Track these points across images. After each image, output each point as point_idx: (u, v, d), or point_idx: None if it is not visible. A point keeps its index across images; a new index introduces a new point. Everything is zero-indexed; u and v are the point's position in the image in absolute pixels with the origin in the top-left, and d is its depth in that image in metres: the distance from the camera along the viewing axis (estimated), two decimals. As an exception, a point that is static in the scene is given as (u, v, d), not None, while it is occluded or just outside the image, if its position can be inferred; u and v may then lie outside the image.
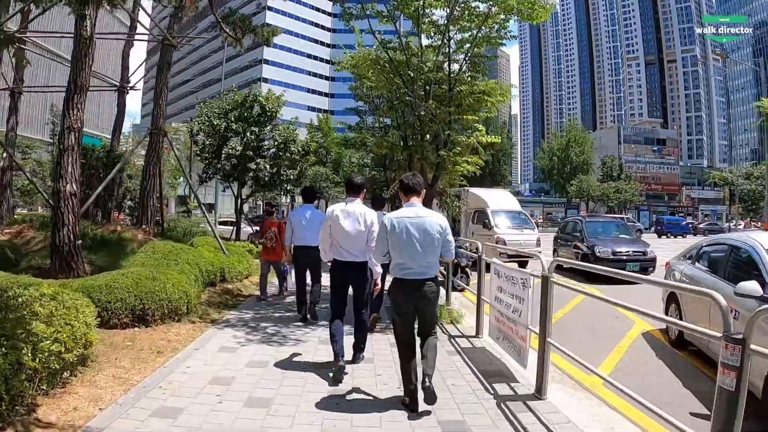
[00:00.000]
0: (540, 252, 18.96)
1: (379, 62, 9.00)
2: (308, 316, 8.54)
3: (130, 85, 17.89)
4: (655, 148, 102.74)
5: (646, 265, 15.75)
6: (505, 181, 75.17)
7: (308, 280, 8.62)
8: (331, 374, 5.77)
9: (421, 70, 8.52)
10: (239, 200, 18.98)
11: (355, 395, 5.33)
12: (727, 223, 66.00)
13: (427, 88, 8.53)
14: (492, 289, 7.04)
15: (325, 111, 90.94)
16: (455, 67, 8.99)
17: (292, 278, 9.84)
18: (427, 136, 8.84)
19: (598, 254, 15.92)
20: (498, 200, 20.27)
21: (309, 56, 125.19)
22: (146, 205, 12.74)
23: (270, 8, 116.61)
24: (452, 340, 7.58)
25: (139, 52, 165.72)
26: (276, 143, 18.04)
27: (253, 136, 17.20)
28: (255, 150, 17.50)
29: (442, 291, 11.85)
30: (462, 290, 12.15)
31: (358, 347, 6.35)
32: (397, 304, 5.01)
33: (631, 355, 7.69)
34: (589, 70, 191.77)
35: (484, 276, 7.88)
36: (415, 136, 8.97)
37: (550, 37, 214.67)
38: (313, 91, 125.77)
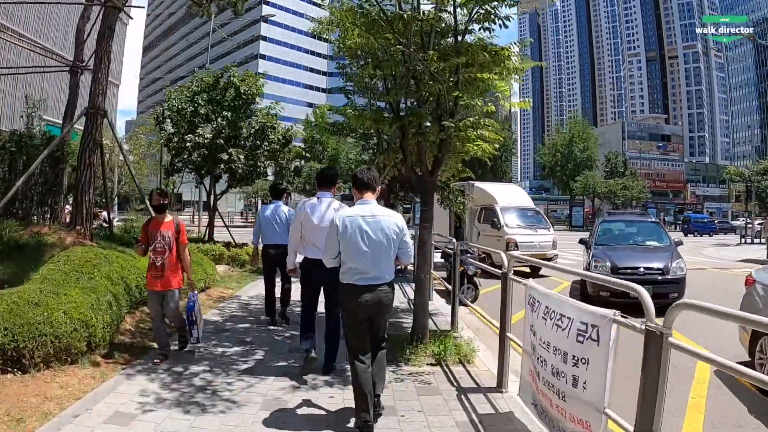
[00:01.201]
0: (556, 255, 16.64)
1: (365, 14, 6.51)
2: (279, 319, 8.16)
3: (83, 64, 15.52)
4: (660, 144, 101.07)
5: (665, 290, 10.44)
6: (507, 177, 72.78)
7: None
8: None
9: (418, 15, 6.07)
10: (213, 196, 16.58)
11: None
12: (742, 220, 63.80)
13: (425, 37, 6.10)
14: (525, 326, 4.65)
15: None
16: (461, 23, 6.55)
17: (200, 326, 6.53)
18: (426, 105, 6.37)
19: (593, 268, 11.31)
20: (508, 196, 17.81)
21: (306, 51, 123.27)
22: (81, 201, 10.32)
23: (267, 2, 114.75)
24: (464, 397, 5.18)
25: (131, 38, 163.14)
26: (253, 130, 15.60)
27: (225, 122, 14.81)
28: (229, 139, 15.14)
29: (446, 309, 9.66)
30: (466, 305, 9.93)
31: (331, 356, 5.88)
32: (349, 313, 4.52)
33: (715, 413, 5.36)
34: (590, 67, 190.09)
35: (511, 302, 5.43)
36: (409, 102, 6.50)
37: (551, 34, 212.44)
38: (311, 87, 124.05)
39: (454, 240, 8.57)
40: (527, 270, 16.14)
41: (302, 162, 69.77)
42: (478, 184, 17.66)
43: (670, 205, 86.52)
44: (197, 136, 14.31)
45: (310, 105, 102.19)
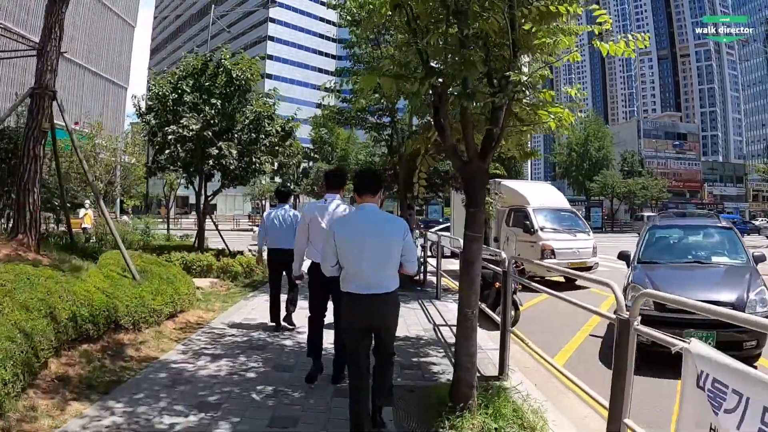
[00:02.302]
0: (597, 264, 14.48)
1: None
2: (284, 324, 7.92)
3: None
4: (676, 143, 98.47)
5: (737, 337, 6.46)
6: (521, 177, 70.33)
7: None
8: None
9: None
10: (203, 197, 14.50)
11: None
12: (762, 220, 61.42)
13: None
14: (684, 417, 2.52)
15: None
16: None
17: None
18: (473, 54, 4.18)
19: (628, 297, 6.99)
20: (541, 195, 15.45)
21: (315, 51, 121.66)
22: (24, 203, 8.25)
23: (274, 1, 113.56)
24: None
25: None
26: (248, 121, 13.51)
27: (214, 111, 12.75)
28: (220, 133, 13.09)
29: (481, 338, 7.59)
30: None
31: (340, 367, 5.43)
32: (348, 323, 4.17)
33: None
34: (600, 66, 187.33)
35: (631, 366, 3.23)
36: (450, 48, 4.29)
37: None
38: (320, 88, 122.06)
39: (502, 253, 6.42)
40: (561, 279, 14.02)
41: (311, 163, 67.91)
42: (505, 182, 15.49)
43: (689, 206, 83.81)
44: (181, 128, 12.26)
45: (319, 106, 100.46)
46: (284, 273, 7.90)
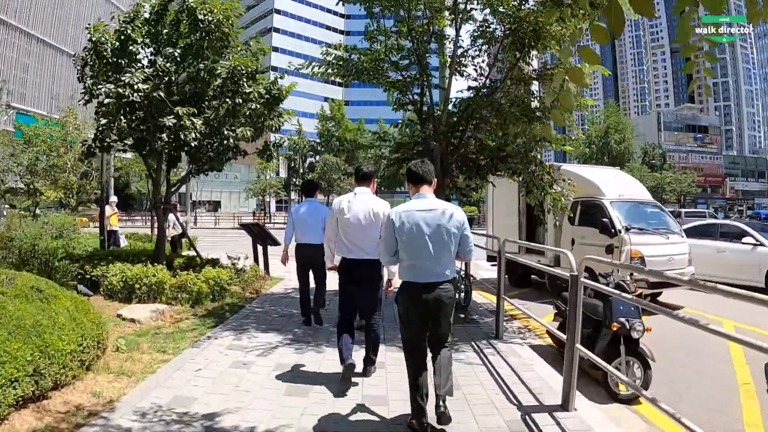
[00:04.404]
0: (694, 275, 10.66)
1: None
2: (315, 324, 7.60)
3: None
4: (698, 136, 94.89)
5: None
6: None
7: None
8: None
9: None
10: (166, 187, 10.84)
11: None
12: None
13: None
14: None
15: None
16: None
17: None
18: None
19: None
20: (617, 185, 11.31)
21: (322, 43, 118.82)
22: None
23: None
24: None
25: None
26: (220, 80, 9.66)
27: (171, 65, 9.10)
28: (188, 98, 9.48)
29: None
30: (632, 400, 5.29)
31: (369, 359, 5.41)
32: (407, 311, 4.13)
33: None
34: (612, 61, 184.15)
35: None
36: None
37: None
38: (327, 81, 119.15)
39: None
40: (645, 290, 10.24)
41: (317, 157, 65.27)
42: (567, 167, 11.69)
43: (718, 200, 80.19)
44: (122, 86, 8.59)
45: (326, 99, 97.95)
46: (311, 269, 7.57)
